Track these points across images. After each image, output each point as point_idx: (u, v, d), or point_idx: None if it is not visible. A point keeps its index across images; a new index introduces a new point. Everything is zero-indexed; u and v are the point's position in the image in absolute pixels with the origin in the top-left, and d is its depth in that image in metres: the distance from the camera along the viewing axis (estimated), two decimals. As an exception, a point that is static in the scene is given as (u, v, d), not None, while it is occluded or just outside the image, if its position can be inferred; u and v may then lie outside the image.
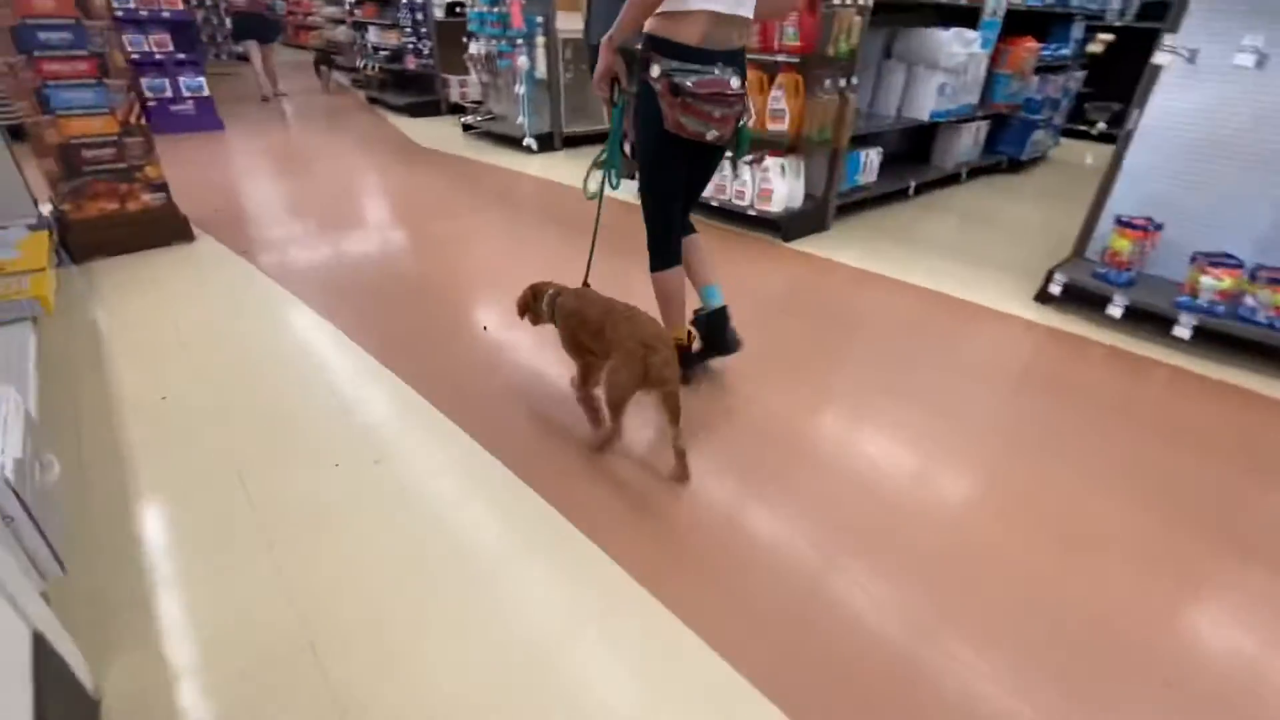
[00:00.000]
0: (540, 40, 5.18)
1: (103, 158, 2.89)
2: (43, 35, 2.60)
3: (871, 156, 3.94)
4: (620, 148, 1.89)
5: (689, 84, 1.58)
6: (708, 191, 3.71)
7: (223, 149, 5.43)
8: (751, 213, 3.59)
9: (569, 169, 5.04)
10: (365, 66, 7.76)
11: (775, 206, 3.49)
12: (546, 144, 5.64)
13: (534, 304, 1.95)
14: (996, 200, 4.61)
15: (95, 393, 1.98)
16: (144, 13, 5.49)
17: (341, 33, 11.09)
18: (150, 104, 5.76)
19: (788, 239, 3.57)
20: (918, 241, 3.70)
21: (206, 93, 6.00)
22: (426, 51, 6.98)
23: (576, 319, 1.81)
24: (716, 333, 2.13)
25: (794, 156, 3.47)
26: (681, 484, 1.71)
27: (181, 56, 5.75)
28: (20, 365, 1.76)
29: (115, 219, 3.01)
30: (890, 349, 2.55)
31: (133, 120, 2.92)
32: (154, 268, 2.95)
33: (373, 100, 8.01)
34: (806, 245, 3.56)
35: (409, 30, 6.82)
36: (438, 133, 6.39)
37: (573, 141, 5.91)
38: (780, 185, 3.45)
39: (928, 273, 3.21)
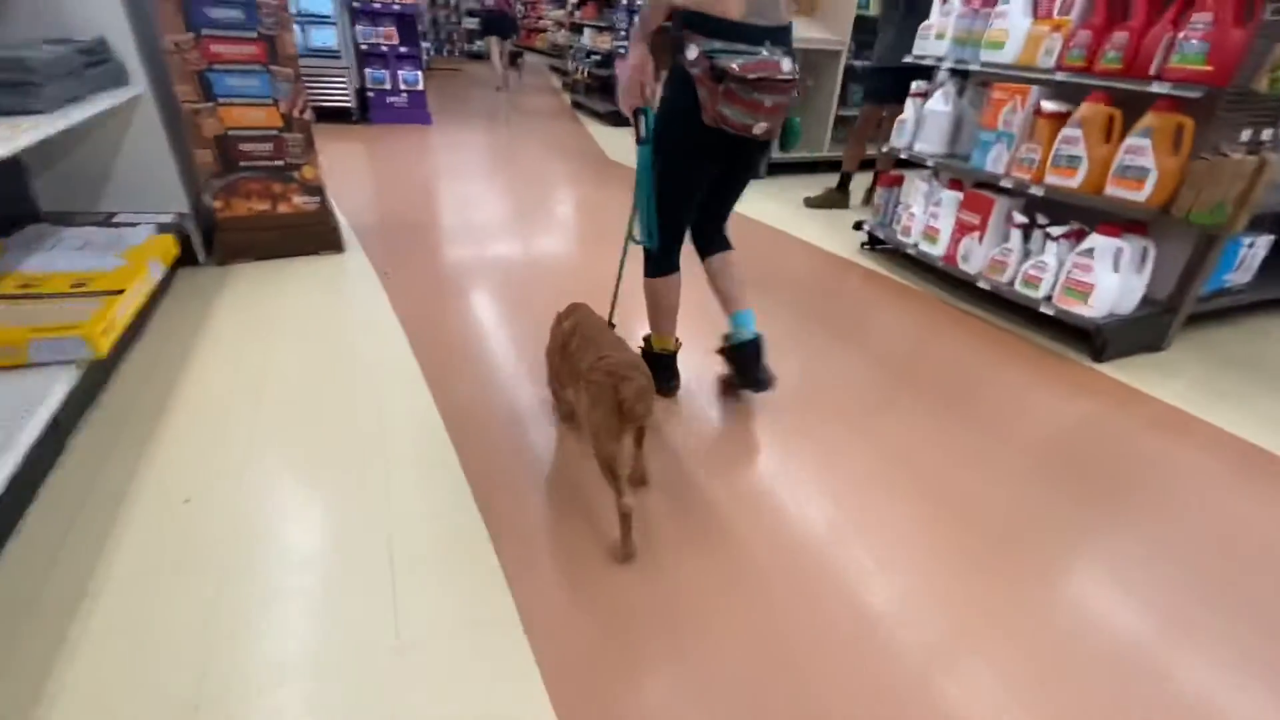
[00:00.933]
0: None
1: (260, 153, 2.56)
2: (212, 12, 2.27)
3: (1257, 246, 2.55)
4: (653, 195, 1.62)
5: (735, 67, 1.35)
6: (972, 267, 2.62)
7: (420, 145, 5.31)
8: (1047, 310, 2.42)
9: (776, 207, 4.14)
10: (576, 70, 7.51)
11: (1094, 309, 2.29)
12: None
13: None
14: None
15: (117, 478, 1.49)
16: (377, 5, 5.56)
17: (563, 36, 11.22)
18: (369, 94, 5.87)
19: (1100, 358, 2.35)
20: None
21: (420, 87, 6.00)
22: (637, 57, 6.47)
23: (556, 328, 1.60)
24: (746, 367, 1.85)
25: (1139, 238, 2.25)
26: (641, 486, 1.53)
27: (403, 50, 5.77)
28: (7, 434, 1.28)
29: (265, 221, 2.68)
30: (1198, 551, 1.32)
31: (297, 114, 2.55)
32: (286, 283, 2.56)
33: (577, 105, 7.76)
34: (1124, 370, 2.31)
35: (622, 33, 6.36)
36: (626, 143, 5.83)
37: (782, 169, 5.00)
38: (1108, 279, 2.25)
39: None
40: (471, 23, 12.10)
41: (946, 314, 2.74)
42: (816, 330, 2.57)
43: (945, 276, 2.89)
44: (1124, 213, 2.19)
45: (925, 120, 2.84)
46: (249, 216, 2.65)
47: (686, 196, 1.65)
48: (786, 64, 1.42)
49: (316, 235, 2.81)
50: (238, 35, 2.33)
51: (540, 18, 15.08)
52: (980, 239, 2.62)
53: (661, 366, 1.90)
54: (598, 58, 6.99)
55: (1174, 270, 2.36)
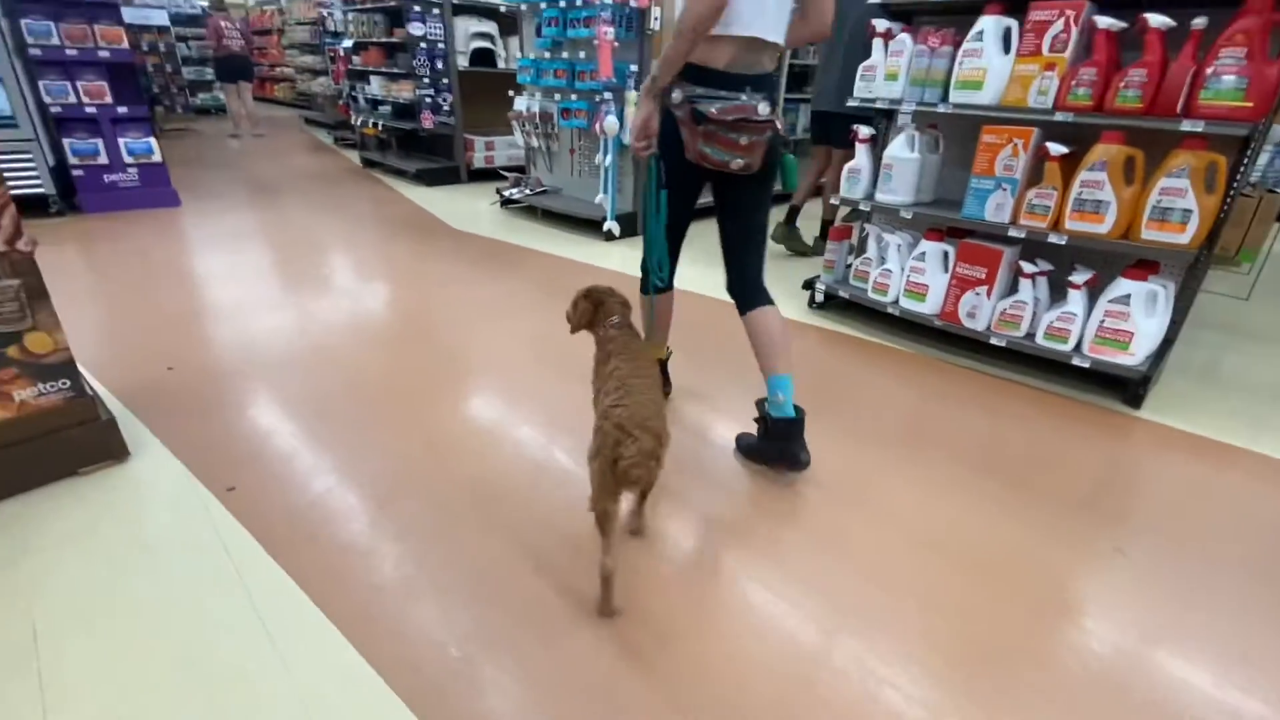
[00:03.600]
0: (632, 96, 3.85)
1: (-78, 328, 1.32)
2: None
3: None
4: (663, 231, 1.75)
5: (713, 110, 1.47)
6: (980, 324, 2.36)
7: (178, 240, 3.83)
8: (1079, 362, 2.22)
9: (687, 269, 3.62)
10: (363, 124, 6.32)
11: (1135, 356, 2.12)
12: (629, 227, 4.25)
13: (595, 317, 1.61)
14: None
15: None
16: (72, 51, 3.94)
17: (320, 84, 9.67)
18: (76, 172, 4.16)
19: (1138, 403, 2.21)
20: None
21: (158, 157, 4.43)
22: (447, 106, 5.59)
23: (599, 365, 1.51)
24: (782, 441, 1.72)
25: (1159, 278, 2.14)
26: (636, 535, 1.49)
27: (123, 110, 4.19)
28: None
29: (-48, 447, 1.41)
30: None
31: (5, 244, 1.36)
32: (24, 573, 1.35)
33: (369, 164, 6.55)
34: (1156, 411, 2.21)
35: (426, 81, 5.43)
36: (467, 207, 4.93)
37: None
38: (1146, 324, 2.10)
39: None
40: (191, 72, 9.91)
41: (949, 373, 2.45)
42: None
43: (939, 334, 2.61)
44: (1155, 253, 2.05)
45: (891, 168, 2.54)
46: (-88, 448, 1.36)
47: (671, 222, 1.75)
48: (764, 107, 1.52)
49: (74, 443, 1.58)
50: None
51: (276, 65, 13.03)
52: (988, 293, 2.37)
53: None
54: (395, 107, 5.92)
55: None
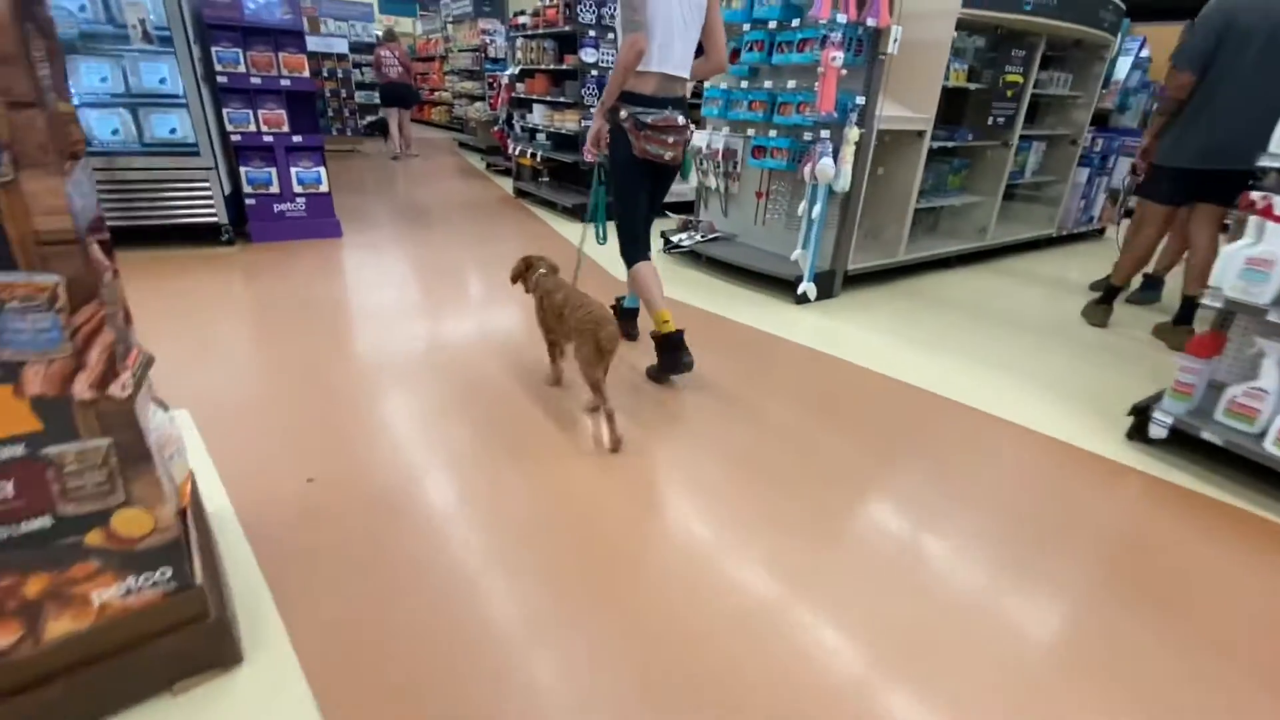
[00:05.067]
0: (853, 134, 3.12)
1: (-36, 519, 0.85)
2: None
3: None
4: (604, 209, 2.64)
5: (649, 120, 2.18)
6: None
7: (337, 280, 3.57)
8: None
9: (865, 339, 2.81)
10: (520, 153, 6.05)
11: None
12: (825, 290, 3.50)
13: (526, 274, 2.31)
14: None
15: None
16: (256, 79, 3.84)
17: (476, 110, 9.79)
18: (248, 201, 4.07)
19: None
20: None
21: (325, 188, 4.28)
22: (610, 138, 5.14)
23: (547, 297, 2.16)
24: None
25: None
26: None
27: (297, 139, 4.06)
28: None
29: (5, 675, 0.94)
30: None
31: (87, 389, 0.88)
32: None
33: (521, 194, 6.28)
34: None
35: (592, 109, 5.01)
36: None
37: (856, 281, 3.76)
38: None
39: None
40: (362, 96, 10.42)
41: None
42: (1107, 601, 1.25)
43: None
44: None
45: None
46: (-59, 687, 0.89)
47: (636, 205, 2.40)
48: (680, 118, 2.26)
49: (169, 654, 1.08)
50: None
51: (436, 89, 13.60)
52: None
53: (672, 346, 2.33)
54: (555, 138, 5.58)
55: None
